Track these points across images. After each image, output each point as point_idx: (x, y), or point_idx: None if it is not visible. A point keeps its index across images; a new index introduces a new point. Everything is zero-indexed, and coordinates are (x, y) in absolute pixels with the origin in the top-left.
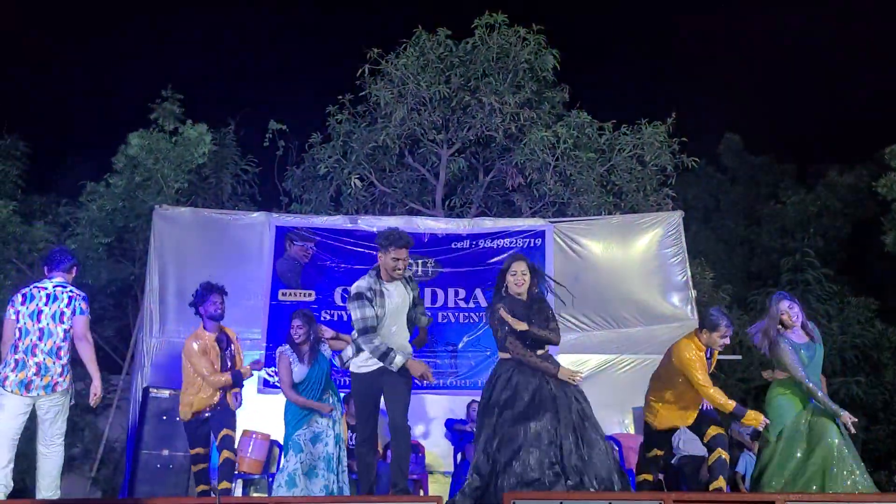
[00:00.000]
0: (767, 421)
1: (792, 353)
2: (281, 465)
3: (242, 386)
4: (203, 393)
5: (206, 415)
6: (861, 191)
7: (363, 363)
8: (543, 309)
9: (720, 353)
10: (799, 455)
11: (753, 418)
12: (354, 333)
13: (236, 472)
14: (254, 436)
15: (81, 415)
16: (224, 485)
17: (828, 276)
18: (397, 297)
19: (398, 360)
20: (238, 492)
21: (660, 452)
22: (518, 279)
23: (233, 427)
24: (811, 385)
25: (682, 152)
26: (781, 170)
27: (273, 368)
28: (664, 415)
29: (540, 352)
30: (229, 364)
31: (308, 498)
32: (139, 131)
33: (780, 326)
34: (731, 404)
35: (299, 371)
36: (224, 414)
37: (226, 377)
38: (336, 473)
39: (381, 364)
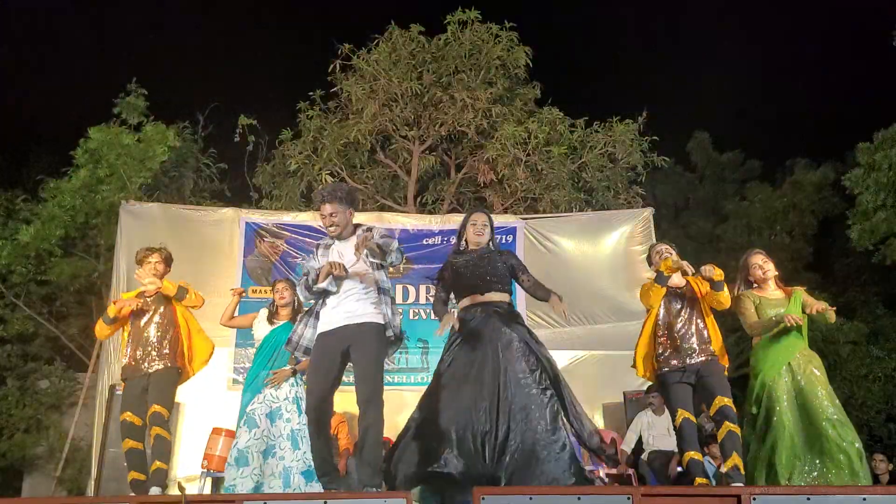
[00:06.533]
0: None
1: (750, 306)
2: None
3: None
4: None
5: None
6: (827, 188)
7: (325, 323)
8: (498, 260)
9: None
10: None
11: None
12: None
13: (205, 470)
14: (223, 433)
15: (46, 413)
16: (158, 465)
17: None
18: (347, 257)
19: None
20: (207, 489)
21: None
22: (478, 229)
23: (165, 405)
24: (768, 323)
25: (652, 151)
26: (749, 166)
27: (241, 365)
28: None
29: (493, 297)
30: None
31: (271, 495)
32: (101, 125)
33: (750, 279)
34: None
35: (261, 328)
36: (158, 386)
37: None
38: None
39: (345, 321)
